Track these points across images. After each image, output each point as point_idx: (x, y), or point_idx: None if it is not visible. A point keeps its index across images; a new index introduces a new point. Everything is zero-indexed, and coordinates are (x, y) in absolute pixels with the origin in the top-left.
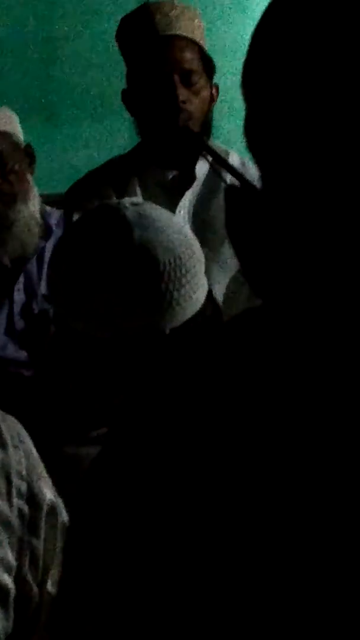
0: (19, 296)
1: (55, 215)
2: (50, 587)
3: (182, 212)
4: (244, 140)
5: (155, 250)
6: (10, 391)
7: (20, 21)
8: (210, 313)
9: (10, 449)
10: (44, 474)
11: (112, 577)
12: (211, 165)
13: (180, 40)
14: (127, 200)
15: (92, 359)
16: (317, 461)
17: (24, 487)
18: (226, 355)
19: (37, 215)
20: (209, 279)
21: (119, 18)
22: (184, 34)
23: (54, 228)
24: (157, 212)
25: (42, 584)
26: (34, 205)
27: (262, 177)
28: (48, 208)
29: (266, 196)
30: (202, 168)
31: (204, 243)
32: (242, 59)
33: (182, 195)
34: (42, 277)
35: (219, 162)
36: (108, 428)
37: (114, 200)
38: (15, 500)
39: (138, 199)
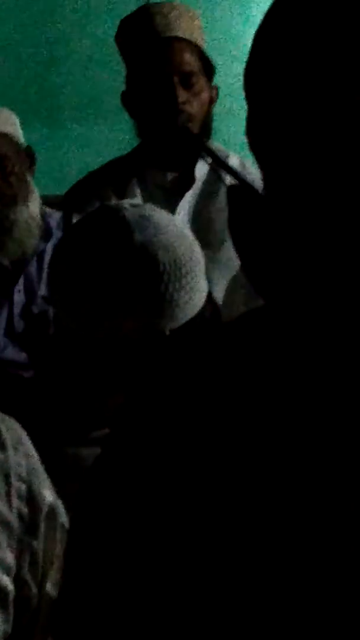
0: (18, 297)
1: (55, 216)
2: (49, 588)
3: (181, 213)
4: (245, 140)
5: (155, 252)
6: (10, 392)
7: (20, 22)
8: (209, 314)
9: (10, 451)
10: (44, 475)
11: (113, 579)
12: (211, 166)
13: (180, 41)
14: (127, 202)
15: (92, 360)
16: (317, 461)
17: (23, 488)
18: (226, 356)
19: (37, 217)
20: (208, 280)
21: (119, 19)
22: (184, 35)
23: (54, 229)
24: (157, 213)
25: (41, 586)
26: (34, 207)
27: (264, 177)
28: (48, 209)
29: (268, 196)
30: (201, 169)
31: (203, 244)
32: (242, 60)
33: (181, 196)
34: (42, 278)
35: (219, 164)
36: (108, 429)
37: (114, 201)
38: (14, 502)
39: (138, 200)
